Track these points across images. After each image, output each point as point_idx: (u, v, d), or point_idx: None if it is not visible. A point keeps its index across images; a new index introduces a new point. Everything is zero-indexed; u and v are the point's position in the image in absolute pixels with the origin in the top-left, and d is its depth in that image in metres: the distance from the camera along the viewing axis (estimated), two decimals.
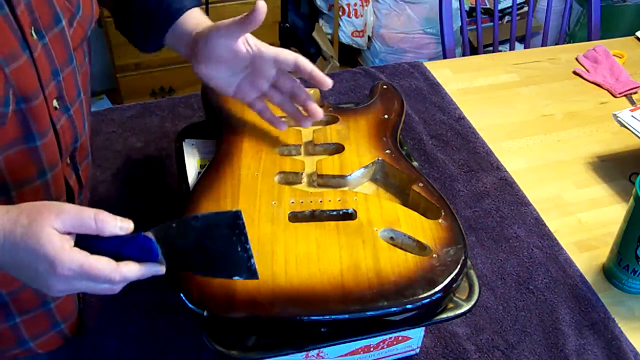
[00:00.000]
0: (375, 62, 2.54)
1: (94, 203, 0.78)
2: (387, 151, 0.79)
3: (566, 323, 0.80)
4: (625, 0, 2.44)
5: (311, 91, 0.89)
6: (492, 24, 1.98)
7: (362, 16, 2.48)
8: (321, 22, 2.59)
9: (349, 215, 0.70)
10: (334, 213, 0.70)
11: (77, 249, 0.53)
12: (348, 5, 2.46)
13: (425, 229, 0.68)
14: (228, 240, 0.55)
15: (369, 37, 2.55)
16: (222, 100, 0.86)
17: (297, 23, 2.48)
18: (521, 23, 2.31)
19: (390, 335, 0.69)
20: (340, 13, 2.48)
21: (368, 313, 0.59)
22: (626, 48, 1.38)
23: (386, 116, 0.86)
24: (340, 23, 2.51)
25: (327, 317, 0.59)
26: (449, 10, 1.52)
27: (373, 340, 0.69)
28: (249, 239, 0.55)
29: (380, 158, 0.78)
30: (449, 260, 0.64)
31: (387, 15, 2.46)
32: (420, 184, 0.74)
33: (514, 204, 0.97)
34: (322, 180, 0.76)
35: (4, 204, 0.54)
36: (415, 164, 0.79)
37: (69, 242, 0.53)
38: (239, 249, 0.55)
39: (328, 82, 0.75)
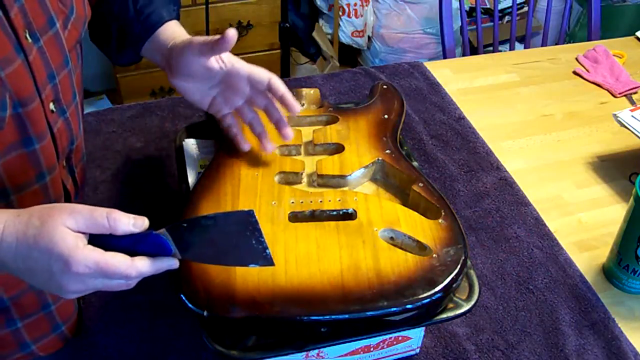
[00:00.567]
0: (375, 62, 2.54)
1: (94, 203, 0.77)
2: (387, 151, 0.79)
3: (566, 323, 0.80)
4: (625, 0, 2.44)
5: (311, 90, 0.89)
6: (492, 24, 1.98)
7: (362, 16, 2.48)
8: (321, 22, 2.59)
9: (349, 215, 0.70)
10: (334, 213, 0.70)
11: (91, 247, 0.52)
12: (348, 5, 2.46)
13: (425, 229, 0.68)
14: (242, 236, 0.55)
15: (369, 37, 2.55)
16: None
17: (297, 23, 2.48)
18: (521, 23, 2.31)
19: (390, 335, 0.69)
20: (340, 13, 2.48)
21: (368, 313, 0.59)
22: (626, 48, 1.38)
23: (386, 116, 0.86)
24: (340, 23, 2.51)
25: (327, 317, 0.59)
26: (449, 10, 1.52)
27: (373, 340, 0.69)
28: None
29: (380, 158, 0.78)
30: (449, 260, 0.64)
31: (387, 15, 2.46)
32: (420, 184, 0.74)
33: (514, 204, 0.97)
34: (322, 180, 0.76)
35: (4, 209, 0.54)
36: (415, 164, 0.79)
37: (83, 240, 0.53)
38: (254, 242, 0.55)
39: (296, 109, 0.75)
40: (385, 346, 0.70)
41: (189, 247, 0.56)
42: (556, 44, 1.55)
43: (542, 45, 1.65)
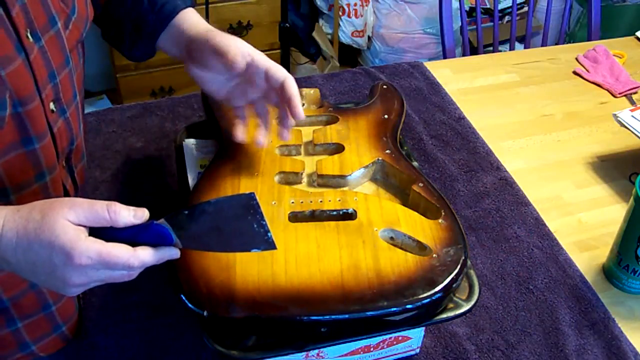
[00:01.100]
0: (375, 62, 2.54)
1: None
2: (387, 151, 0.79)
3: (566, 323, 0.80)
4: (625, 0, 2.44)
5: (311, 90, 0.89)
6: (492, 24, 1.97)
7: (362, 16, 2.48)
8: (321, 22, 2.59)
9: (349, 215, 0.70)
10: (334, 213, 0.70)
11: (92, 238, 0.52)
12: (348, 5, 2.46)
13: (425, 229, 0.68)
14: (243, 220, 0.55)
15: (369, 37, 2.55)
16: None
17: (297, 23, 2.48)
18: (521, 23, 2.31)
19: (390, 335, 0.69)
20: (340, 13, 2.48)
21: (368, 313, 0.59)
22: (626, 48, 1.38)
23: (386, 116, 0.86)
24: (340, 23, 2.51)
25: (327, 317, 0.59)
26: (449, 10, 1.52)
27: (373, 340, 0.69)
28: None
29: (380, 158, 0.78)
30: (449, 260, 0.64)
31: (387, 15, 2.46)
32: (420, 184, 0.74)
33: (514, 204, 0.97)
34: (322, 180, 0.76)
35: (3, 205, 0.54)
36: (415, 164, 0.79)
37: (84, 232, 0.52)
38: (255, 226, 0.55)
39: (298, 116, 0.73)
40: (385, 346, 0.70)
41: (190, 236, 0.55)
42: (556, 44, 1.55)
43: (542, 45, 1.65)
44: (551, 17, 1.62)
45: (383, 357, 0.72)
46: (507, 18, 2.49)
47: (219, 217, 0.55)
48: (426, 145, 1.07)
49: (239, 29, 2.23)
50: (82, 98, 0.74)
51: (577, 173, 1.05)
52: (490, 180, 1.01)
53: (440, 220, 0.69)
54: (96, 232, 0.53)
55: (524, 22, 1.82)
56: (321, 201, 0.71)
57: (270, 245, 0.56)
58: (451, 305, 0.65)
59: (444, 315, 0.64)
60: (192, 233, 0.55)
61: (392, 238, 0.68)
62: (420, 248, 0.67)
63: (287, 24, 1.89)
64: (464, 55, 1.67)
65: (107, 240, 0.53)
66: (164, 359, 0.73)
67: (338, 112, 0.86)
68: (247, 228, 0.55)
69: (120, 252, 0.52)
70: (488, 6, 2.45)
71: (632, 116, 1.01)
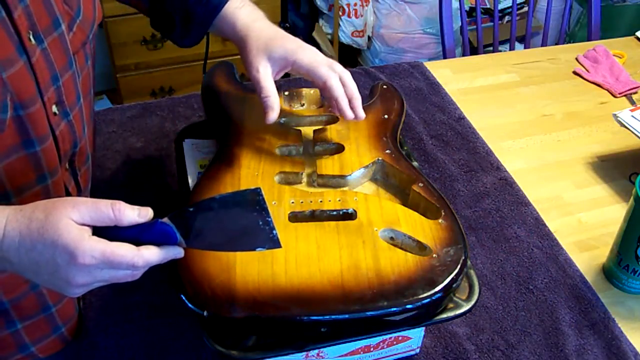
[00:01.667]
0: (375, 62, 2.54)
1: None
2: (387, 151, 0.79)
3: (566, 323, 0.80)
4: (625, 0, 2.44)
5: (311, 90, 0.89)
6: (492, 24, 1.98)
7: (362, 16, 2.48)
8: (321, 22, 2.59)
9: (349, 215, 0.70)
10: (334, 213, 0.70)
11: (96, 238, 0.52)
12: (348, 5, 2.46)
13: (425, 229, 0.68)
14: (249, 216, 0.54)
15: (369, 37, 2.55)
16: (222, 100, 0.86)
17: (297, 23, 2.48)
18: (521, 23, 2.31)
19: (390, 335, 0.69)
20: (340, 13, 2.48)
21: (368, 313, 0.59)
22: (626, 48, 1.38)
23: (386, 116, 0.86)
24: (340, 23, 2.51)
25: (327, 317, 0.59)
26: (449, 10, 1.52)
27: (373, 340, 0.69)
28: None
29: (380, 158, 0.78)
30: (449, 260, 0.64)
31: (387, 15, 2.46)
32: (420, 184, 0.74)
33: (514, 204, 0.97)
34: (322, 180, 0.76)
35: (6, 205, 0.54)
36: (415, 164, 0.79)
37: (88, 232, 0.52)
38: (260, 223, 0.55)
39: (347, 116, 0.76)
40: (385, 346, 0.70)
41: (194, 234, 0.55)
42: (556, 44, 1.55)
43: (542, 45, 1.65)
44: (551, 17, 1.62)
45: (383, 357, 0.72)
46: (507, 18, 2.49)
47: (224, 214, 0.54)
48: (426, 145, 1.07)
49: None
50: (89, 101, 0.73)
51: (577, 173, 1.05)
52: (490, 180, 1.01)
53: (440, 220, 0.69)
54: (99, 231, 0.53)
55: (524, 22, 1.82)
56: (321, 201, 0.71)
57: (275, 243, 0.56)
58: (451, 305, 0.65)
59: (444, 315, 0.64)
60: (197, 231, 0.55)
61: (392, 238, 0.68)
62: (420, 248, 0.67)
63: (287, 24, 1.89)
64: (464, 55, 1.67)
65: (111, 239, 0.52)
66: (164, 359, 0.73)
67: None
68: (252, 225, 0.55)
69: (124, 251, 0.52)
70: (488, 6, 2.45)
71: (632, 116, 1.01)
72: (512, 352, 0.76)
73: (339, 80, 0.76)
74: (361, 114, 0.77)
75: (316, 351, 0.66)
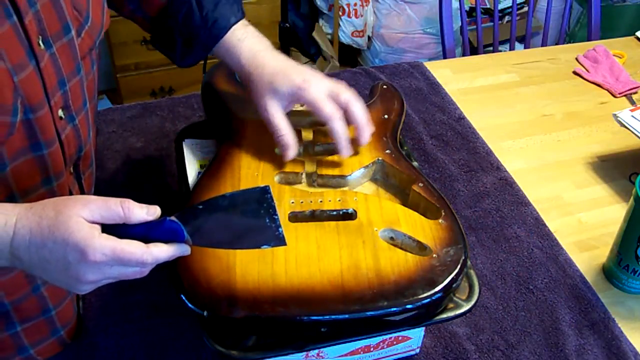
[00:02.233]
0: (375, 62, 2.54)
1: None
2: (387, 151, 0.79)
3: (566, 323, 0.80)
4: (625, 0, 2.43)
5: None
6: (492, 24, 1.98)
7: (362, 16, 2.48)
8: (321, 22, 2.59)
9: (349, 215, 0.70)
10: (334, 213, 0.70)
11: (106, 235, 0.52)
12: (348, 5, 2.46)
13: (425, 229, 0.68)
14: (256, 214, 0.55)
15: (369, 37, 2.55)
16: (222, 100, 0.86)
17: (297, 23, 2.48)
18: (521, 23, 2.31)
19: (390, 335, 0.69)
20: (340, 13, 2.48)
21: (368, 313, 0.59)
22: (626, 48, 1.38)
23: (386, 116, 0.86)
24: (340, 23, 2.51)
25: (327, 317, 0.59)
26: (449, 10, 1.52)
27: (373, 340, 0.69)
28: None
29: (380, 158, 0.78)
30: (449, 260, 0.64)
31: (387, 15, 2.46)
32: (420, 184, 0.74)
33: (514, 204, 0.97)
34: (322, 180, 0.76)
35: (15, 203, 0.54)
36: (415, 164, 0.79)
37: (98, 229, 0.53)
38: (267, 220, 0.55)
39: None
40: (385, 346, 0.70)
41: (201, 232, 0.56)
42: (556, 44, 1.55)
43: (542, 45, 1.65)
44: (551, 17, 1.62)
45: (383, 357, 0.72)
46: (507, 18, 2.49)
47: (232, 211, 0.55)
48: (426, 145, 1.07)
49: None
50: (93, 105, 0.74)
51: (577, 173, 1.05)
52: (490, 180, 1.01)
53: (440, 220, 0.69)
54: (108, 229, 0.54)
55: (524, 22, 1.82)
56: (321, 201, 0.71)
57: (280, 241, 0.56)
58: (451, 305, 0.65)
59: (444, 315, 0.64)
60: (204, 229, 0.56)
61: (392, 238, 0.68)
62: (420, 248, 0.67)
63: (287, 24, 1.89)
64: (464, 55, 1.67)
65: (119, 237, 0.53)
66: (164, 359, 0.73)
67: None
68: (259, 222, 0.55)
69: (134, 248, 0.53)
70: (488, 6, 2.45)
71: (632, 116, 1.01)
72: (512, 352, 0.76)
73: (342, 119, 0.74)
74: (364, 141, 0.77)
75: (316, 351, 0.66)
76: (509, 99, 1.22)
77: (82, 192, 0.74)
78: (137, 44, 2.08)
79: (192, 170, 0.81)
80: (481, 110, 1.17)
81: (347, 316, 0.59)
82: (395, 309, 0.60)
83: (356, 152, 0.78)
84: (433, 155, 1.05)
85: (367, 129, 0.76)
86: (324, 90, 0.74)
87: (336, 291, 0.60)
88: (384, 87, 0.93)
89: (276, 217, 0.55)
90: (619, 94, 1.23)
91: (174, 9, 0.77)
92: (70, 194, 0.69)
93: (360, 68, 1.26)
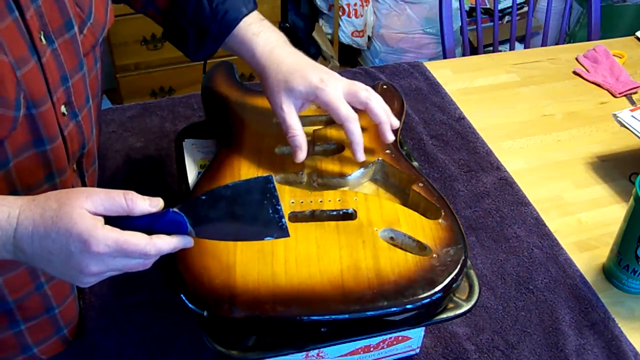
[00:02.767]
0: (375, 62, 2.54)
1: None
2: (387, 151, 0.79)
3: (566, 323, 0.80)
4: (625, 0, 2.44)
5: None
6: (492, 24, 1.98)
7: (362, 16, 2.48)
8: (321, 22, 2.59)
9: (349, 215, 0.70)
10: (334, 213, 0.70)
11: (109, 227, 0.52)
12: (348, 5, 2.46)
13: (425, 229, 0.68)
14: (259, 204, 0.55)
15: (369, 37, 2.55)
16: (222, 100, 0.86)
17: (297, 23, 2.48)
18: (521, 23, 2.31)
19: (390, 335, 0.69)
20: (340, 13, 2.48)
21: (368, 313, 0.59)
22: (626, 48, 1.38)
23: None
24: (340, 23, 2.51)
25: (327, 317, 0.59)
26: (449, 10, 1.52)
27: (373, 340, 0.69)
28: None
29: (380, 158, 0.78)
30: (449, 260, 0.64)
31: (387, 15, 2.46)
32: (420, 184, 0.74)
33: (514, 204, 0.97)
34: (322, 181, 0.76)
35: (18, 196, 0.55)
36: (415, 164, 0.79)
37: (101, 221, 0.53)
38: (270, 211, 0.55)
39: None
40: (385, 346, 0.70)
41: (204, 223, 0.56)
42: (556, 44, 1.55)
43: (542, 45, 1.65)
44: (551, 17, 1.62)
45: (383, 357, 0.72)
46: (507, 18, 2.49)
47: (235, 202, 0.55)
48: (426, 145, 1.07)
49: None
50: (97, 103, 0.74)
51: (577, 173, 1.05)
52: (490, 180, 1.01)
53: (440, 220, 0.69)
54: (111, 221, 0.54)
55: (524, 22, 1.82)
56: (321, 201, 0.71)
57: (284, 232, 0.56)
58: (451, 305, 0.65)
59: (444, 315, 0.64)
60: (207, 220, 0.56)
61: (392, 238, 0.68)
62: (420, 248, 0.67)
63: (287, 24, 1.90)
64: (464, 55, 1.67)
65: (123, 229, 0.53)
66: (164, 358, 0.73)
67: None
68: (262, 213, 0.55)
69: (137, 240, 0.53)
70: (488, 6, 2.45)
71: (632, 116, 1.01)
72: (512, 352, 0.76)
73: (357, 121, 0.73)
74: (389, 138, 0.76)
75: (316, 351, 0.66)
76: (509, 99, 1.22)
77: None
78: (137, 44, 2.08)
79: (192, 170, 0.81)
80: (481, 110, 1.17)
81: (347, 316, 0.59)
82: (395, 309, 0.60)
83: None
84: (433, 155, 1.05)
85: (389, 126, 0.75)
86: (340, 90, 0.73)
87: (336, 291, 0.60)
88: (384, 87, 0.93)
89: (279, 207, 0.55)
90: (619, 94, 1.23)
91: (184, 1, 0.77)
92: None
93: (360, 68, 1.26)
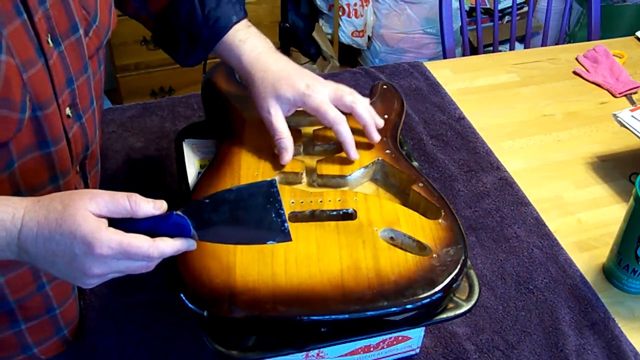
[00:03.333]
0: (375, 62, 2.54)
1: None
2: (387, 151, 0.79)
3: (566, 323, 0.80)
4: (625, 0, 2.43)
5: None
6: (492, 24, 1.97)
7: (362, 16, 2.48)
8: (321, 22, 2.59)
9: (349, 215, 0.70)
10: (334, 213, 0.70)
11: (113, 229, 0.53)
12: (348, 5, 2.46)
13: (425, 229, 0.68)
14: (262, 208, 0.55)
15: (369, 37, 2.55)
16: (222, 100, 0.86)
17: (297, 23, 2.48)
18: (521, 23, 2.31)
19: (390, 335, 0.69)
20: (340, 13, 2.48)
21: (368, 313, 0.59)
22: (626, 48, 1.38)
23: (386, 116, 0.86)
24: (340, 23, 2.51)
25: (327, 317, 0.59)
26: (449, 10, 1.52)
27: (373, 340, 0.69)
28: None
29: (380, 158, 0.78)
30: (449, 260, 0.64)
31: (387, 15, 2.46)
32: (420, 184, 0.74)
33: (514, 204, 0.97)
34: (322, 180, 0.76)
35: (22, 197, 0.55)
36: (415, 164, 0.79)
37: (105, 223, 0.53)
38: (273, 215, 0.56)
39: (351, 157, 0.77)
40: (385, 346, 0.70)
41: (207, 227, 0.56)
42: (556, 44, 1.55)
43: (542, 45, 1.65)
44: (551, 17, 1.62)
45: (383, 357, 0.72)
46: (507, 18, 2.49)
47: (238, 205, 0.55)
48: (426, 145, 1.07)
49: None
50: (100, 105, 0.74)
51: (577, 173, 1.05)
52: (490, 180, 1.01)
53: (440, 220, 0.69)
54: (115, 223, 0.54)
55: (524, 22, 1.82)
56: (321, 201, 0.71)
57: (286, 236, 0.56)
58: (451, 305, 0.65)
59: (444, 315, 0.64)
60: (210, 224, 0.56)
61: (392, 238, 0.68)
62: (420, 248, 0.67)
63: (287, 24, 1.89)
64: (464, 55, 1.67)
65: (126, 231, 0.53)
66: (164, 359, 0.73)
67: None
68: (265, 217, 0.55)
69: (140, 242, 0.53)
70: (488, 6, 2.45)
71: (632, 116, 1.01)
72: (512, 352, 0.76)
73: (346, 122, 0.76)
74: (375, 139, 0.78)
75: (316, 351, 0.66)
76: (509, 99, 1.22)
77: None
78: (137, 44, 2.08)
79: (192, 170, 0.81)
80: (481, 110, 1.17)
81: (347, 316, 0.59)
82: (395, 309, 0.60)
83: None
84: (433, 155, 1.05)
85: (374, 127, 0.78)
86: (327, 95, 0.76)
87: (336, 291, 0.60)
88: (384, 87, 0.93)
89: (282, 211, 0.55)
90: (619, 94, 1.23)
91: (177, 6, 0.77)
92: None
93: (360, 68, 1.26)
